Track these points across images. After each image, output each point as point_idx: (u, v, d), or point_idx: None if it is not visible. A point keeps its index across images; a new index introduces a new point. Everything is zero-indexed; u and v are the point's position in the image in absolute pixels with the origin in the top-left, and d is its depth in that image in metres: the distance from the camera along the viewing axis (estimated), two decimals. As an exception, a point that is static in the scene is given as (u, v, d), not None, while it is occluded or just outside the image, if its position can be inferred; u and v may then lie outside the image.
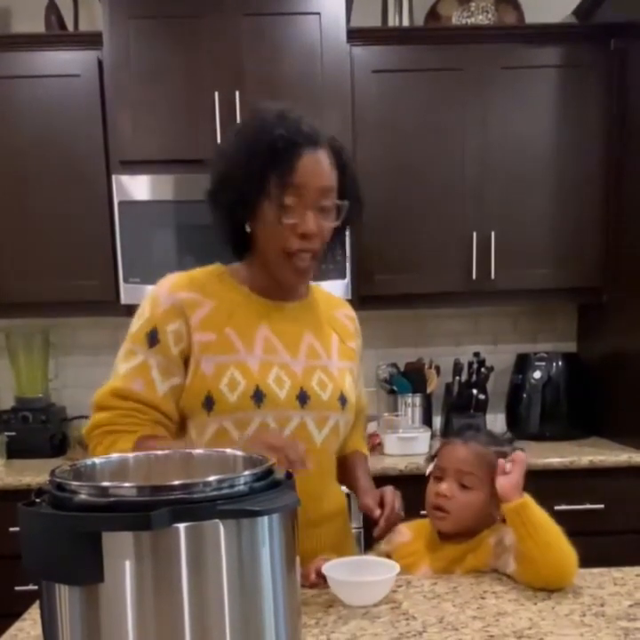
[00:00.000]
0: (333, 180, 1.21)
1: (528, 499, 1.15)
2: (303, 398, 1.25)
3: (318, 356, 1.30)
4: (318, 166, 1.19)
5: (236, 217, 1.23)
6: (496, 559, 1.21)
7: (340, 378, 1.31)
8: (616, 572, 1.22)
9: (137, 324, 1.24)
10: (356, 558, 1.22)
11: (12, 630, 1.07)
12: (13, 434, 2.53)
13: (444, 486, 1.28)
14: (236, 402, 1.20)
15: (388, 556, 1.33)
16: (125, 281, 2.35)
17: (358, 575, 1.13)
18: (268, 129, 1.18)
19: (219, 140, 2.26)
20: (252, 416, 1.21)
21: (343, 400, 1.30)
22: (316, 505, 1.26)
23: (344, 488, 1.41)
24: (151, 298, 1.25)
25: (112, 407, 1.20)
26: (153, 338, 1.21)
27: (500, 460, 1.20)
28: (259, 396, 1.21)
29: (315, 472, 1.14)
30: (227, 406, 1.20)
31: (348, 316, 1.42)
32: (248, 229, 1.23)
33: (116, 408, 1.20)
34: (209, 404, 1.20)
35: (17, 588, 1.72)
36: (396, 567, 1.13)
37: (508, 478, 1.17)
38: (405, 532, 1.35)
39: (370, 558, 1.24)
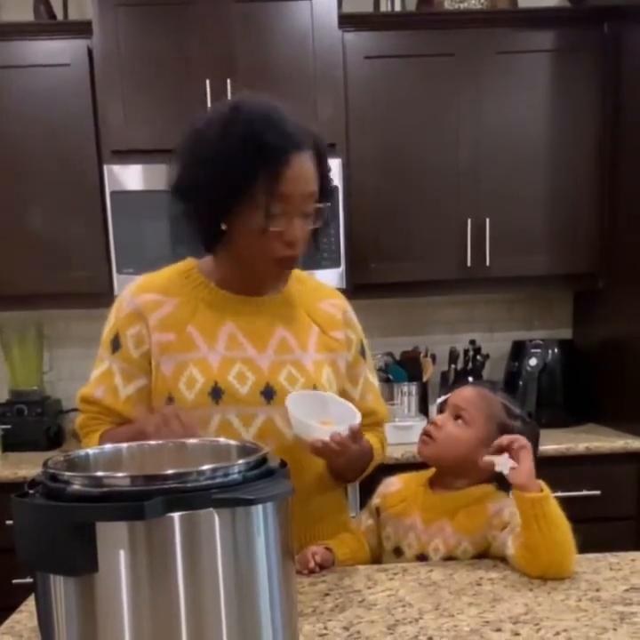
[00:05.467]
0: (316, 184, 1.20)
1: (547, 492, 1.12)
2: (269, 394, 1.22)
3: (290, 349, 1.26)
4: (304, 173, 1.17)
5: (214, 216, 1.20)
6: (490, 529, 1.21)
7: (316, 372, 1.26)
8: (612, 558, 1.23)
9: (105, 330, 1.28)
10: (323, 395, 1.23)
11: (8, 622, 1.07)
12: (8, 427, 2.52)
13: (437, 416, 1.30)
14: (194, 400, 1.19)
15: (378, 508, 1.33)
16: (119, 272, 2.34)
17: (320, 412, 1.17)
18: (256, 135, 1.13)
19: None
20: (211, 413, 1.19)
21: (311, 390, 1.24)
22: (301, 506, 1.20)
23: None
24: (117, 303, 1.28)
25: (84, 411, 1.29)
26: (115, 344, 1.25)
27: (487, 458, 1.17)
28: (216, 393, 1.20)
29: (291, 470, 1.11)
30: (185, 405, 1.19)
31: (335, 305, 1.36)
32: (224, 227, 1.20)
33: (86, 411, 1.28)
34: (170, 403, 1.20)
35: (14, 582, 1.72)
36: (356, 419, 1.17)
37: (521, 468, 1.13)
38: (395, 482, 1.35)
39: (337, 399, 1.24)
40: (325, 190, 1.23)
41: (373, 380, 1.41)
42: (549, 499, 1.12)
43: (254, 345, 1.25)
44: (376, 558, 1.32)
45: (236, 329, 1.25)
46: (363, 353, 1.38)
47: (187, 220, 1.24)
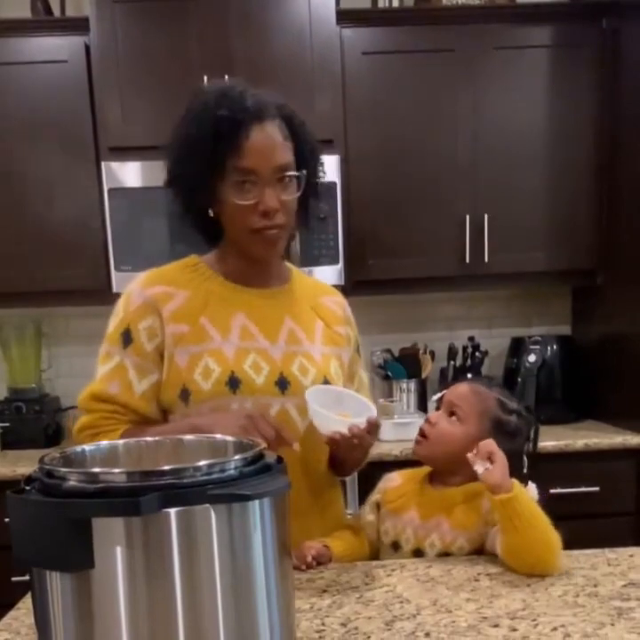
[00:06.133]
0: (288, 154, 1.19)
1: (517, 491, 1.11)
2: (283, 384, 1.22)
3: (299, 341, 1.27)
4: (269, 144, 1.16)
5: (197, 202, 1.21)
6: (485, 525, 1.21)
7: (324, 363, 1.27)
8: (610, 553, 1.22)
9: (112, 324, 1.24)
10: (339, 390, 1.25)
11: (6, 619, 1.07)
12: (7, 425, 2.52)
13: (432, 413, 1.31)
14: (211, 389, 1.19)
15: (378, 504, 1.33)
16: (117, 269, 2.34)
17: (336, 407, 1.18)
18: (211, 111, 1.16)
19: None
20: (229, 402, 1.19)
21: (327, 385, 1.25)
22: (303, 495, 1.22)
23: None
24: (125, 297, 1.25)
25: (93, 410, 1.22)
26: (126, 338, 1.21)
27: (470, 455, 1.15)
28: (234, 383, 1.19)
29: (299, 460, 1.11)
30: (202, 395, 1.19)
31: (336, 302, 1.38)
32: (211, 213, 1.22)
33: (97, 411, 1.22)
34: (185, 395, 1.20)
35: (14, 579, 1.72)
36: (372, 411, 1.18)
37: (494, 469, 1.12)
38: (396, 478, 1.36)
39: (353, 394, 1.26)
40: (303, 158, 1.22)
41: (364, 377, 1.43)
42: (519, 498, 1.10)
43: (266, 335, 1.25)
44: (375, 552, 1.32)
45: (247, 320, 1.25)
46: (358, 350, 1.40)
47: (181, 215, 1.25)
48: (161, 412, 1.24)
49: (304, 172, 1.21)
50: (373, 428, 1.16)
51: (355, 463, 1.33)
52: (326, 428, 1.16)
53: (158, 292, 1.23)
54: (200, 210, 1.22)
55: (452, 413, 1.28)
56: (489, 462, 1.13)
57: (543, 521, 1.12)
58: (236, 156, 1.15)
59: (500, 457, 1.13)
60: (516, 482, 1.13)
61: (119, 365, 1.21)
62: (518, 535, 1.10)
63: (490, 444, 1.15)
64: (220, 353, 1.21)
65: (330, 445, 1.19)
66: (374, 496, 1.36)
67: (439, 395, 1.35)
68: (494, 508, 1.13)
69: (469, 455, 1.15)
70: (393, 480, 1.36)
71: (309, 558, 1.19)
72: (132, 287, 1.26)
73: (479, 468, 1.13)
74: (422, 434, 1.29)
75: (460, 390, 1.30)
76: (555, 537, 1.12)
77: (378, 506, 1.34)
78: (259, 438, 0.95)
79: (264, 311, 1.26)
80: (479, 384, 1.33)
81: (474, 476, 1.24)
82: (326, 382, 1.26)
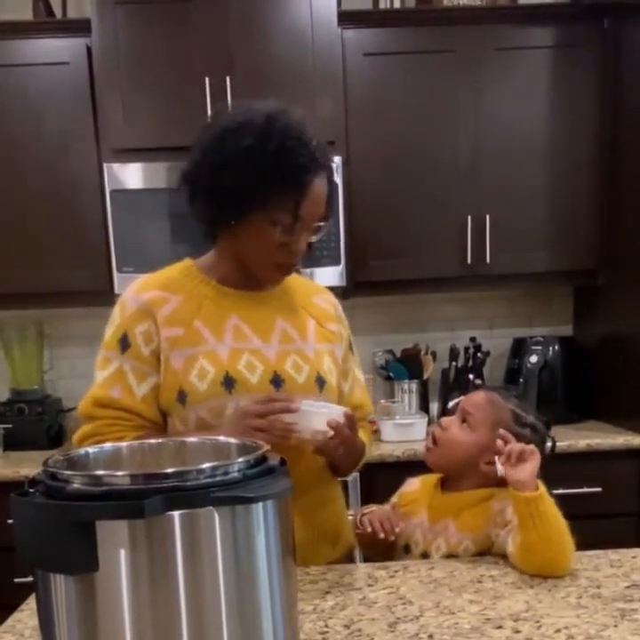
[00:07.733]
0: (325, 206, 1.25)
1: (542, 491, 1.12)
2: (277, 382, 1.24)
3: (292, 340, 1.29)
4: (320, 194, 1.22)
5: (225, 213, 1.22)
6: (494, 527, 1.22)
7: (317, 360, 1.30)
8: (613, 554, 1.23)
9: (109, 331, 1.26)
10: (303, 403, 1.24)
11: (9, 621, 1.08)
12: (9, 426, 2.53)
13: (444, 418, 1.32)
14: (207, 390, 1.21)
15: (394, 505, 1.37)
16: (119, 270, 2.34)
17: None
18: (289, 153, 1.16)
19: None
20: (225, 402, 1.21)
21: (321, 382, 1.28)
22: (302, 494, 1.22)
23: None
24: (120, 303, 1.28)
25: (96, 417, 1.23)
26: (124, 343, 1.23)
27: (500, 442, 1.17)
28: (229, 382, 1.21)
29: (294, 457, 1.11)
30: (199, 396, 1.21)
31: (327, 300, 1.40)
32: (232, 222, 1.23)
33: (100, 418, 1.23)
34: (182, 397, 1.21)
35: (16, 580, 1.72)
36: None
37: (526, 467, 1.13)
38: (415, 483, 1.39)
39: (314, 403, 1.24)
40: (328, 209, 1.27)
41: (360, 375, 1.44)
42: (544, 497, 1.12)
43: (259, 336, 1.27)
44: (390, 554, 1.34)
45: (240, 321, 1.27)
46: (351, 348, 1.42)
47: (196, 210, 1.26)
48: (161, 415, 1.25)
49: (330, 222, 1.27)
50: (350, 421, 1.18)
51: (347, 463, 1.33)
52: (309, 430, 1.15)
53: (153, 296, 1.25)
54: (224, 219, 1.23)
55: (464, 421, 1.29)
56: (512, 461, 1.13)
57: (562, 523, 1.12)
58: (294, 198, 1.18)
59: (536, 458, 1.14)
60: (540, 482, 1.14)
61: (118, 370, 1.23)
62: (536, 533, 1.10)
63: (522, 445, 1.15)
64: (215, 354, 1.23)
65: (315, 452, 1.21)
66: (393, 498, 1.39)
67: (456, 400, 1.36)
68: (515, 504, 1.13)
69: (499, 442, 1.16)
70: (411, 485, 1.39)
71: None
72: (127, 293, 1.28)
73: (500, 470, 1.14)
74: (433, 439, 1.30)
75: (476, 398, 1.32)
76: (570, 540, 1.13)
77: (394, 508, 1.36)
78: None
79: (257, 313, 1.29)
80: (496, 394, 1.34)
81: (483, 482, 1.25)
82: (319, 378, 1.28)
